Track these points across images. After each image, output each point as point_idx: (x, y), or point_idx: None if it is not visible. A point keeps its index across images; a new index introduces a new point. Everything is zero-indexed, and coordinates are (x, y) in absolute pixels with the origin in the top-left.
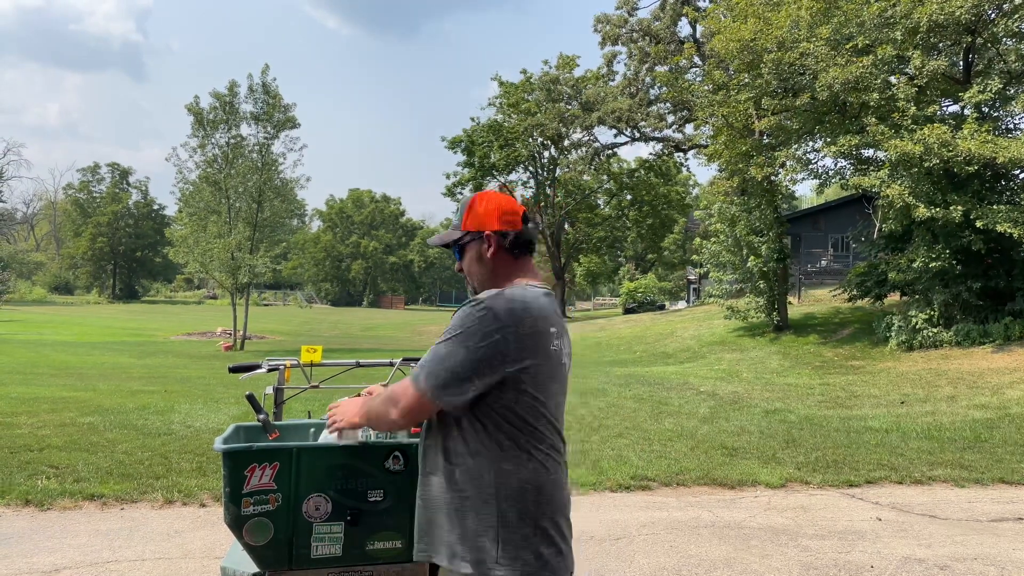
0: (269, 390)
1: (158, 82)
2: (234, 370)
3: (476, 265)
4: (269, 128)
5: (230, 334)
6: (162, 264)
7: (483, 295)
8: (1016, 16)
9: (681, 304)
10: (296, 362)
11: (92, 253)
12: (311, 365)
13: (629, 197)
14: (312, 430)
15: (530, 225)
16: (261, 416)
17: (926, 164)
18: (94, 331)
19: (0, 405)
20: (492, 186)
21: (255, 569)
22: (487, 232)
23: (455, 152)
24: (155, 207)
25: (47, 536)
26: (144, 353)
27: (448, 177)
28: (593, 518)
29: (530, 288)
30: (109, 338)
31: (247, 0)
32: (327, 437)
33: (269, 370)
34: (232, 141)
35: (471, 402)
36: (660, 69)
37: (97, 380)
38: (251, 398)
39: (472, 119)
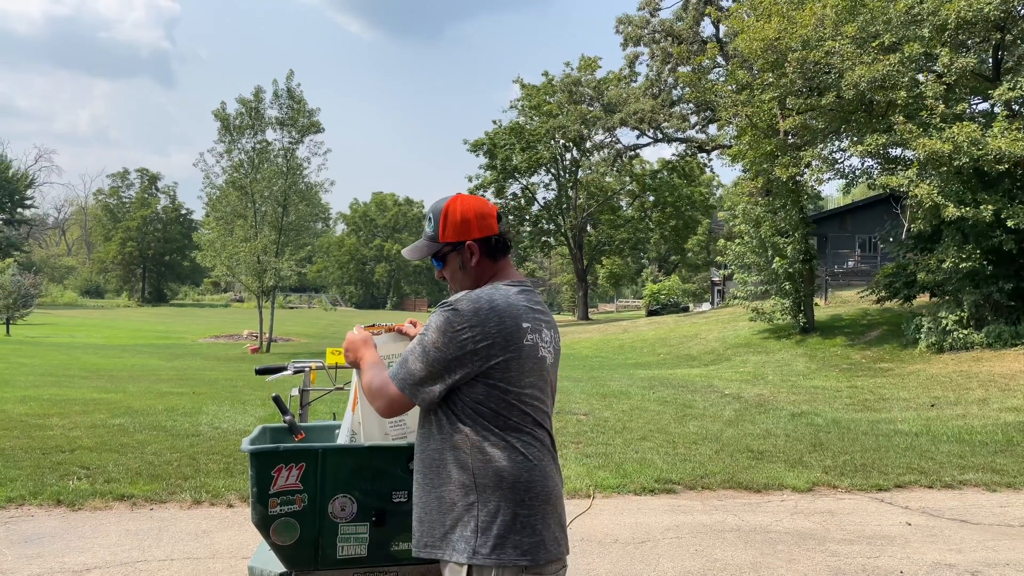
0: (295, 392)
1: (186, 88)
2: (260, 372)
3: (460, 273)
4: (294, 133)
5: (256, 336)
6: (190, 268)
7: (452, 298)
8: None
9: (705, 306)
10: (321, 364)
11: (122, 257)
12: (336, 367)
13: (652, 198)
14: (337, 431)
15: (505, 224)
16: (287, 417)
17: (955, 163)
18: (124, 334)
19: (33, 407)
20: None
21: (282, 569)
22: (468, 242)
23: (477, 155)
24: (183, 212)
25: (78, 536)
26: (172, 355)
27: (470, 180)
28: (617, 521)
29: (501, 287)
30: (138, 341)
31: (273, 6)
32: (344, 438)
33: (295, 372)
34: (258, 146)
35: (444, 396)
36: (683, 69)
37: (127, 382)
38: (277, 400)
39: (494, 122)
